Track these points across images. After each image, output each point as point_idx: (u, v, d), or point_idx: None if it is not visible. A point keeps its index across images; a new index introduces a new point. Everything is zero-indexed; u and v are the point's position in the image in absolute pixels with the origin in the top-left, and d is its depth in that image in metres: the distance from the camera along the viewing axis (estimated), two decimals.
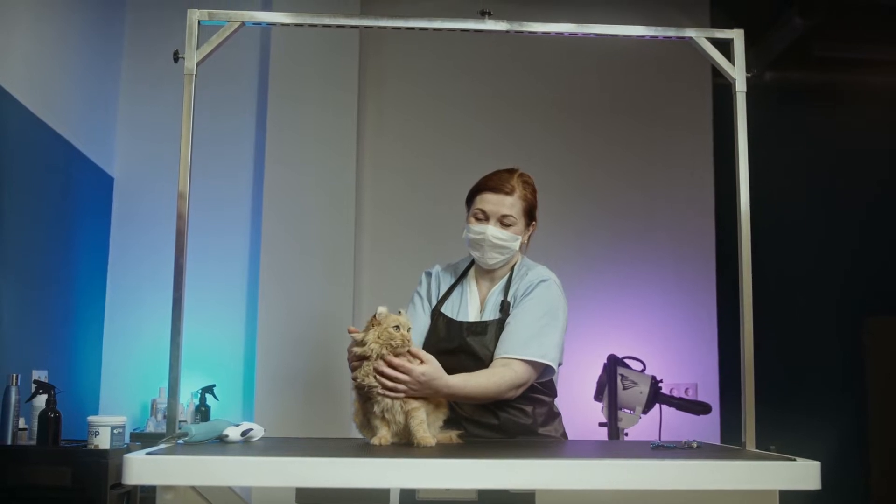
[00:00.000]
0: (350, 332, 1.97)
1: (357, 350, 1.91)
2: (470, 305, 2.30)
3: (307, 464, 1.64)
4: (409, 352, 1.91)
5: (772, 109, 4.65)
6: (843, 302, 4.74)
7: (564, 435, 2.35)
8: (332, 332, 3.93)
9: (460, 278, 2.37)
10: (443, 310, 2.31)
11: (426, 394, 1.93)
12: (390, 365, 1.87)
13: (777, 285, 4.60)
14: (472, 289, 2.34)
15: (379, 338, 1.89)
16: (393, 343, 1.89)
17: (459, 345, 2.22)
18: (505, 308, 2.24)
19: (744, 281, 2.02)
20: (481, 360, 2.19)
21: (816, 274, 4.81)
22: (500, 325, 2.21)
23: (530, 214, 2.30)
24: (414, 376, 1.89)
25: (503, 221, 2.24)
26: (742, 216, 2.04)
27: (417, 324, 2.29)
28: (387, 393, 1.88)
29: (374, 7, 4.20)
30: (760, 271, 3.67)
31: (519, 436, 2.22)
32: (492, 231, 2.24)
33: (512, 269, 2.33)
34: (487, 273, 2.33)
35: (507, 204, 2.24)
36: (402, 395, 1.89)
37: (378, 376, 1.88)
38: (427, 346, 2.26)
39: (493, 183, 2.26)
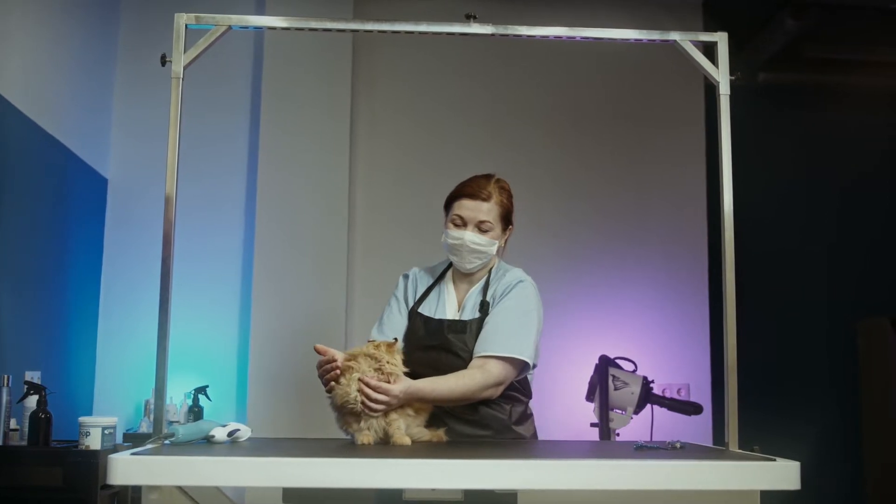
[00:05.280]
0: (317, 349, 2.06)
1: (346, 364, 2.00)
2: (448, 305, 2.36)
3: (292, 464, 1.65)
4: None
5: (764, 110, 4.66)
6: (836, 303, 4.74)
7: (535, 435, 2.40)
8: (325, 333, 3.95)
9: (438, 280, 2.43)
10: (420, 310, 2.36)
11: (399, 405, 2.04)
12: (370, 387, 1.97)
13: (770, 286, 4.61)
14: (449, 290, 2.40)
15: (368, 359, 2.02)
16: (384, 370, 2.01)
17: (440, 342, 2.28)
18: (485, 308, 2.30)
19: (727, 283, 2.04)
20: (461, 358, 2.24)
21: (810, 274, 4.81)
22: (479, 324, 2.27)
23: (507, 219, 2.37)
24: (393, 395, 1.99)
25: (480, 227, 2.30)
26: (725, 217, 2.06)
27: (393, 325, 2.36)
28: (370, 413, 1.98)
29: (367, 10, 4.21)
30: (753, 272, 3.68)
31: (495, 430, 2.27)
32: (469, 237, 2.30)
33: (489, 271, 2.39)
34: (465, 276, 2.39)
35: (485, 210, 2.30)
36: (382, 411, 1.99)
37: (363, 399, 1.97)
38: (407, 346, 2.31)
39: (470, 189, 2.32)
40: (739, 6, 4.39)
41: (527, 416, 2.36)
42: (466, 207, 2.30)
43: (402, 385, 2.01)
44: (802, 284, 4.76)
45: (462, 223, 2.31)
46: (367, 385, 1.96)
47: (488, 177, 2.36)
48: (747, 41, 4.49)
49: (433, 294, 2.39)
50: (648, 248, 4.39)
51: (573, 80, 4.48)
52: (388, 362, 2.00)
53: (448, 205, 2.36)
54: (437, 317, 2.33)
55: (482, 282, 2.37)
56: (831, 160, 4.85)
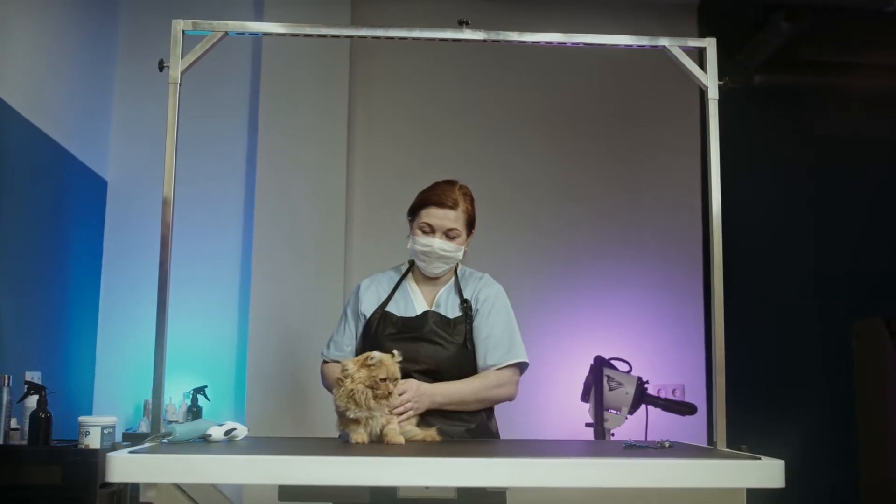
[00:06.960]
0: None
1: (336, 378, 2.04)
2: (417, 304, 2.44)
3: (288, 462, 1.68)
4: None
5: (760, 112, 4.68)
6: (827, 303, 4.76)
7: (498, 432, 2.51)
8: (322, 334, 3.96)
9: (399, 282, 2.50)
10: (388, 309, 2.43)
11: (425, 405, 2.19)
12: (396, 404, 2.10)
13: (763, 287, 4.63)
14: (414, 289, 2.48)
15: (368, 377, 2.01)
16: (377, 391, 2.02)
17: (423, 333, 2.36)
18: (466, 306, 2.40)
19: (715, 285, 2.07)
20: (444, 347, 2.34)
21: (806, 275, 4.83)
22: (464, 322, 2.37)
23: (471, 224, 2.46)
24: (413, 390, 2.16)
25: (449, 234, 2.39)
26: (713, 219, 2.08)
27: (340, 345, 2.49)
28: (402, 418, 2.11)
29: (365, 14, 4.24)
30: (748, 273, 3.69)
31: (478, 423, 2.38)
32: (439, 244, 2.38)
33: (455, 272, 2.49)
34: (430, 277, 2.47)
35: (452, 218, 2.38)
36: (412, 414, 2.16)
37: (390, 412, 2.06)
38: (376, 346, 2.33)
39: (437, 197, 2.39)
40: (734, 9, 4.42)
41: (493, 413, 2.50)
42: (434, 216, 2.38)
43: (410, 382, 2.17)
44: (795, 285, 4.78)
45: (431, 230, 2.38)
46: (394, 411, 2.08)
47: (451, 183, 2.43)
48: (743, 44, 4.52)
49: (398, 295, 2.46)
50: (644, 250, 4.41)
51: (569, 82, 4.50)
52: (351, 379, 1.98)
53: (414, 212, 2.43)
54: (408, 314, 2.41)
55: (450, 282, 2.47)
56: (826, 161, 4.87)
